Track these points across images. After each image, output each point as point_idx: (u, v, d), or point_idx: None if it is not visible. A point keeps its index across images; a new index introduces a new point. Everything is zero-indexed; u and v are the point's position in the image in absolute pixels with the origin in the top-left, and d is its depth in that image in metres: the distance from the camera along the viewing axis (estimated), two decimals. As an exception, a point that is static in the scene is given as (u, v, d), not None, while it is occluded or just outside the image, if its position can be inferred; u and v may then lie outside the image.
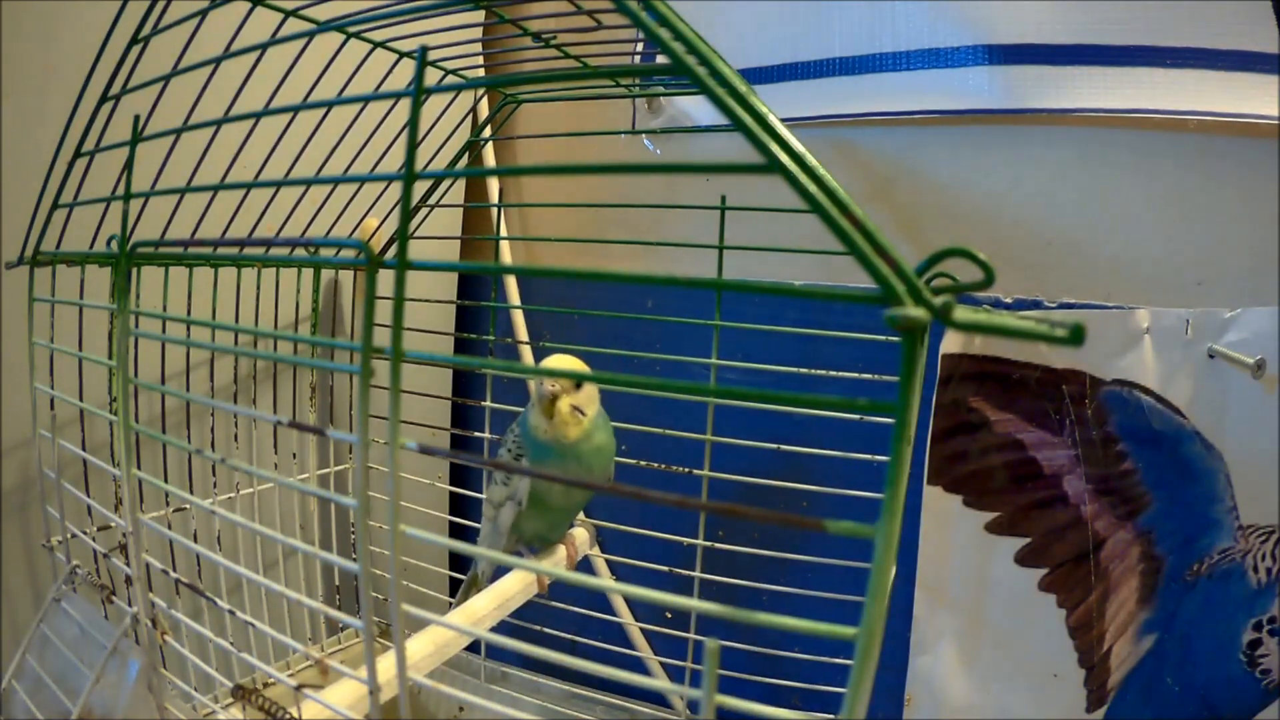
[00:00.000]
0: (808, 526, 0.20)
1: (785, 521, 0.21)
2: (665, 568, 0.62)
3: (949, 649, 0.61)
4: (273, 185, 0.55)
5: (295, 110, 0.42)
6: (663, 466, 0.62)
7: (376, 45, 0.51)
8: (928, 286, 0.19)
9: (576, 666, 0.25)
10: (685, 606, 0.22)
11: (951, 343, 0.58)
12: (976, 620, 0.60)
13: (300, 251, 0.61)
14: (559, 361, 0.49)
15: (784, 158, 0.20)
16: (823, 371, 0.59)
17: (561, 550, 0.54)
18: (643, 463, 0.63)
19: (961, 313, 0.19)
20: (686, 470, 0.60)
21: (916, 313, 0.18)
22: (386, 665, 0.31)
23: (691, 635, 0.62)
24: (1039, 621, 0.58)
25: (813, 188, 0.20)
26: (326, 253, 0.63)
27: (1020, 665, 0.59)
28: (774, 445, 0.58)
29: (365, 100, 0.51)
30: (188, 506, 0.55)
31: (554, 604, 0.59)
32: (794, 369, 0.60)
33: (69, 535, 0.47)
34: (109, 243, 0.47)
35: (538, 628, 0.65)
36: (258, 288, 0.60)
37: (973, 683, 0.60)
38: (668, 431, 0.59)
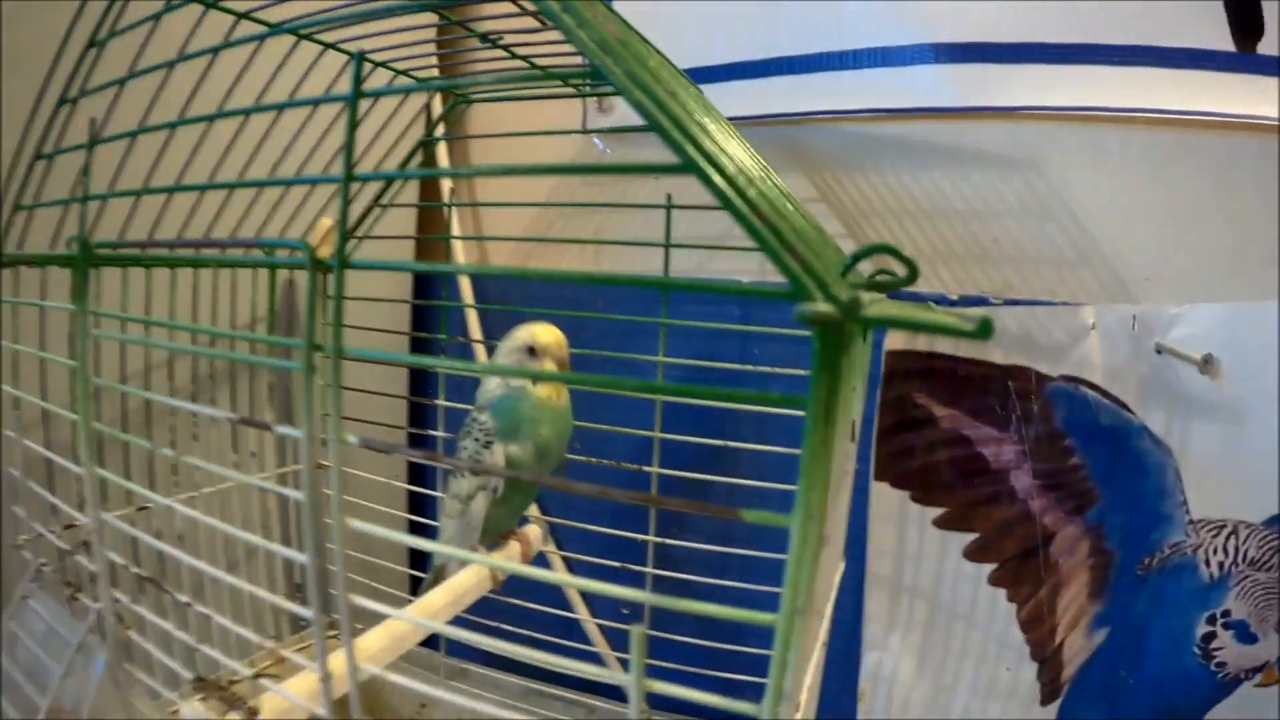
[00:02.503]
0: (725, 515, 0.21)
1: (704, 511, 0.21)
2: (617, 564, 0.62)
3: (901, 643, 0.61)
4: (223, 187, 0.56)
5: (246, 113, 0.42)
6: (614, 464, 0.63)
7: (327, 47, 0.51)
8: (854, 282, 0.20)
9: (531, 659, 0.25)
10: (614, 594, 0.23)
11: (895, 339, 0.58)
12: (928, 615, 0.60)
13: (257, 252, 0.61)
14: (550, 329, 0.50)
15: (697, 157, 0.21)
16: (768, 369, 0.59)
17: (515, 546, 0.55)
18: (594, 460, 0.63)
19: (875, 308, 0.19)
20: (636, 467, 0.61)
21: (823, 308, 0.19)
22: (341, 658, 0.31)
23: (644, 630, 0.62)
24: (990, 616, 0.59)
25: (724, 185, 0.20)
26: (281, 253, 0.63)
27: (973, 659, 0.59)
28: (720, 441, 0.59)
29: (309, 104, 0.52)
30: (150, 505, 0.56)
31: (511, 600, 0.60)
32: (738, 366, 0.61)
33: (35, 534, 0.47)
34: (68, 244, 0.47)
35: (496, 624, 0.66)
36: (214, 289, 0.60)
37: (925, 677, 0.61)
38: (617, 429, 0.59)
